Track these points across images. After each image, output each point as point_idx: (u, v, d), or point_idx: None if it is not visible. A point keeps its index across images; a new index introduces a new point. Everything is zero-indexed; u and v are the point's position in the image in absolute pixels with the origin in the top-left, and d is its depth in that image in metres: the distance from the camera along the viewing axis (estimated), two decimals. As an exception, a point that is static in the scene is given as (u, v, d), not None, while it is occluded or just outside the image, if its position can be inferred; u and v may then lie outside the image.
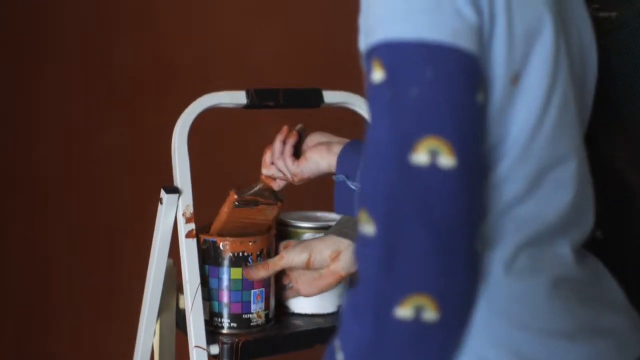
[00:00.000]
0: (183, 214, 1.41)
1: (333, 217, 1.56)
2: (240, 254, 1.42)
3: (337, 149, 1.41)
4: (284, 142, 1.46)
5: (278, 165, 1.46)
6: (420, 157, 0.85)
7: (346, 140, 1.42)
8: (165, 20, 2.45)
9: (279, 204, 1.47)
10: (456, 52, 0.86)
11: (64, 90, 2.41)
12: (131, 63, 2.43)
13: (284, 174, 1.46)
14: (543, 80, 0.93)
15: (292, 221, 1.51)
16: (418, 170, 0.85)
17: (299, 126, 1.47)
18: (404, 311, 0.85)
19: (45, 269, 2.44)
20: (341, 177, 1.38)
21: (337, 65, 2.41)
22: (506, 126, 0.92)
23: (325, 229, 1.50)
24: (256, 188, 1.47)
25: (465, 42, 0.86)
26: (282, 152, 1.45)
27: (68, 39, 2.40)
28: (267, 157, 1.48)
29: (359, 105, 1.56)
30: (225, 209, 1.44)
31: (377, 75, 0.87)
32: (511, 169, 0.93)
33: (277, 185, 1.50)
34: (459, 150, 0.85)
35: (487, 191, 0.92)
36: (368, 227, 0.87)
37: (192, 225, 1.40)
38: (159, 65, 2.44)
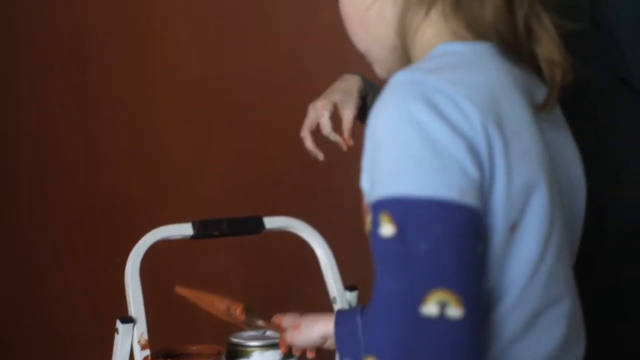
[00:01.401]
0: (138, 342, 1.49)
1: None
2: (194, 376, 1.51)
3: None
4: None
5: None
6: (429, 308, 0.88)
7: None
8: (113, 154, 2.57)
9: None
10: (463, 209, 0.90)
11: (24, 230, 2.50)
12: (84, 199, 2.53)
13: None
14: (540, 228, 0.98)
15: (241, 341, 1.60)
16: (428, 321, 0.88)
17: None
18: None
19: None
20: None
21: (279, 192, 2.55)
22: (504, 272, 0.96)
23: (273, 346, 1.59)
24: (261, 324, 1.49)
25: (470, 199, 0.91)
26: None
27: (26, 179, 2.51)
28: None
29: (299, 228, 1.68)
30: (220, 313, 1.49)
31: (387, 229, 0.91)
32: (508, 312, 0.97)
33: None
34: (466, 301, 0.89)
35: (486, 333, 0.96)
36: None
37: (147, 352, 1.49)
38: (110, 198, 2.55)
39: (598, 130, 1.47)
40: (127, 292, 1.52)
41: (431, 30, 1.05)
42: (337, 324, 1.30)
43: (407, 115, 0.92)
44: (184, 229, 1.57)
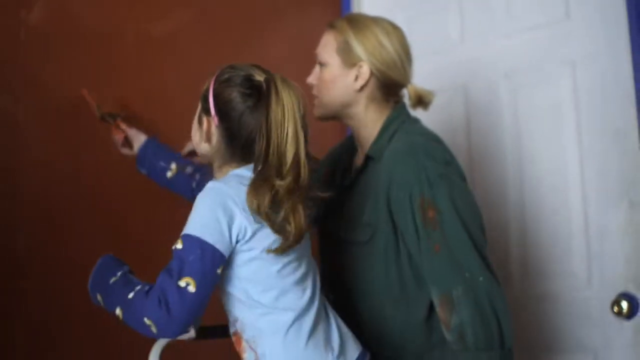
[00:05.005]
0: None
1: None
2: None
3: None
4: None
5: None
6: (182, 283, 1.83)
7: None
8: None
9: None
10: (211, 247, 1.85)
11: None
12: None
13: None
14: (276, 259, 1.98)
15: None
16: (180, 289, 1.82)
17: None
18: None
19: None
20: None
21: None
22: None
23: None
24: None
25: (219, 245, 1.87)
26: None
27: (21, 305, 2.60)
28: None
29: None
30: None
31: (179, 245, 1.87)
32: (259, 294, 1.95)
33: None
34: (198, 285, 1.83)
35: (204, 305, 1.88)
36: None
37: None
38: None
39: None
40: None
41: (228, 169, 2.00)
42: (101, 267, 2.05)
43: (209, 203, 1.89)
44: (189, 333, 2.17)
